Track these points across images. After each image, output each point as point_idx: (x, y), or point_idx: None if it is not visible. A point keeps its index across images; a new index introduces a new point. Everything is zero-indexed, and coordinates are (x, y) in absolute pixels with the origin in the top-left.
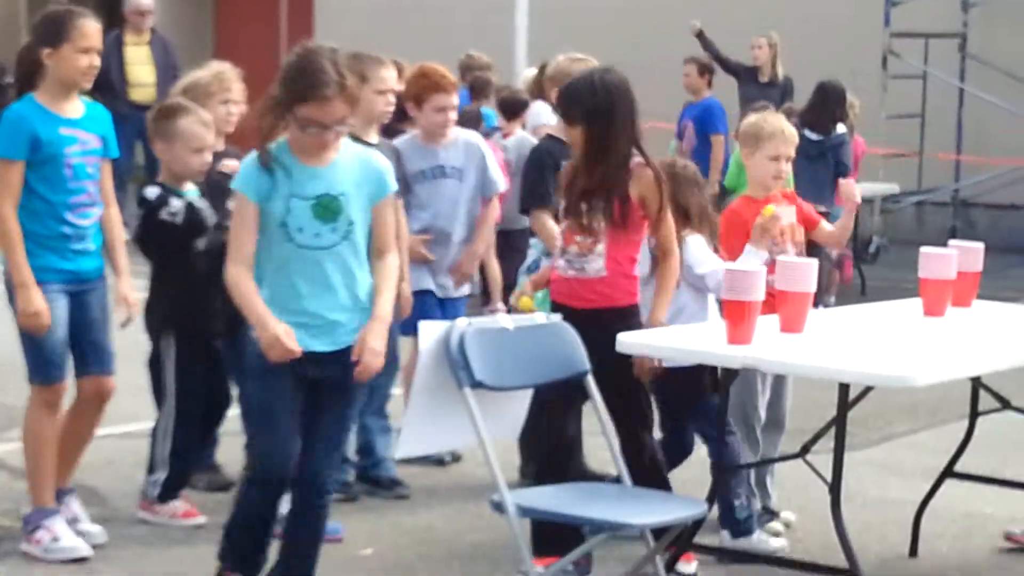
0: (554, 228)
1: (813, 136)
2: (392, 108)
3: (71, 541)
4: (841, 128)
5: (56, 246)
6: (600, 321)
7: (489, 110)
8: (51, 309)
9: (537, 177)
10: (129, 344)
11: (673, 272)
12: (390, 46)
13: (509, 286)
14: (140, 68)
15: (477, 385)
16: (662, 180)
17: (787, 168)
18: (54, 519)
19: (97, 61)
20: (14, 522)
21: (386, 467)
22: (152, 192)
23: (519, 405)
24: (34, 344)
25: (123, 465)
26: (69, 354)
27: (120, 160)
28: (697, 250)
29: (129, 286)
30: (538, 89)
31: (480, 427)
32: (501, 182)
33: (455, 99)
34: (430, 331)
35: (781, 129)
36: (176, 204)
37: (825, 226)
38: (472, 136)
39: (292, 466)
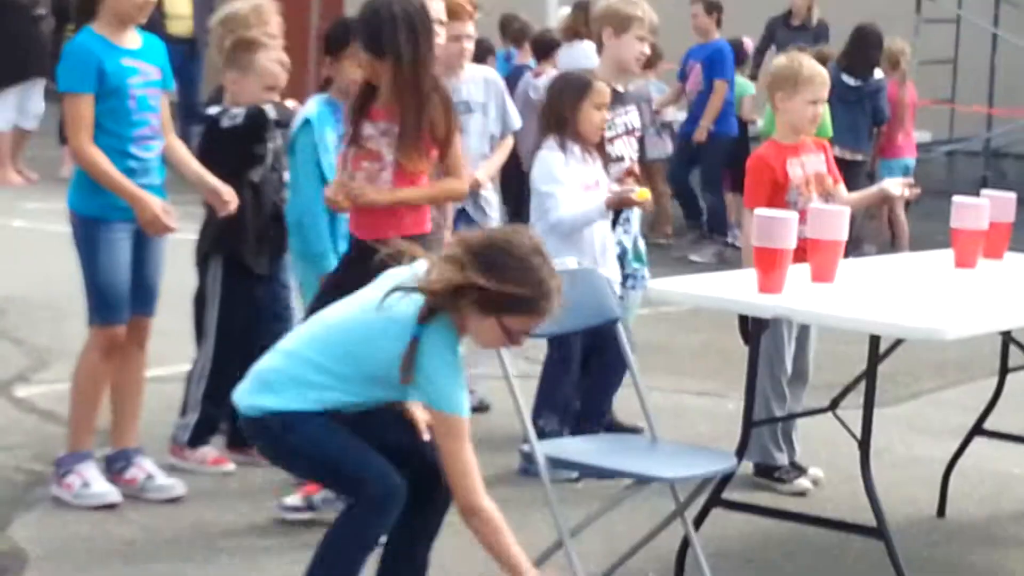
0: None
1: (851, 81)
2: (441, 39)
3: (102, 487)
4: (879, 73)
5: None
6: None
7: (502, 50)
8: (117, 250)
9: None
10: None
11: (449, 189)
12: None
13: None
14: (177, 0)
15: None
16: (450, 105)
17: (822, 111)
18: (86, 464)
19: None
20: (46, 466)
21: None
22: (214, 108)
23: None
24: (98, 284)
25: (151, 409)
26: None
27: None
28: (545, 165)
29: (214, 179)
30: (573, 30)
31: (511, 378)
32: (517, 119)
33: (471, 28)
34: None
35: (819, 72)
36: (237, 110)
37: (842, 190)
38: (489, 72)
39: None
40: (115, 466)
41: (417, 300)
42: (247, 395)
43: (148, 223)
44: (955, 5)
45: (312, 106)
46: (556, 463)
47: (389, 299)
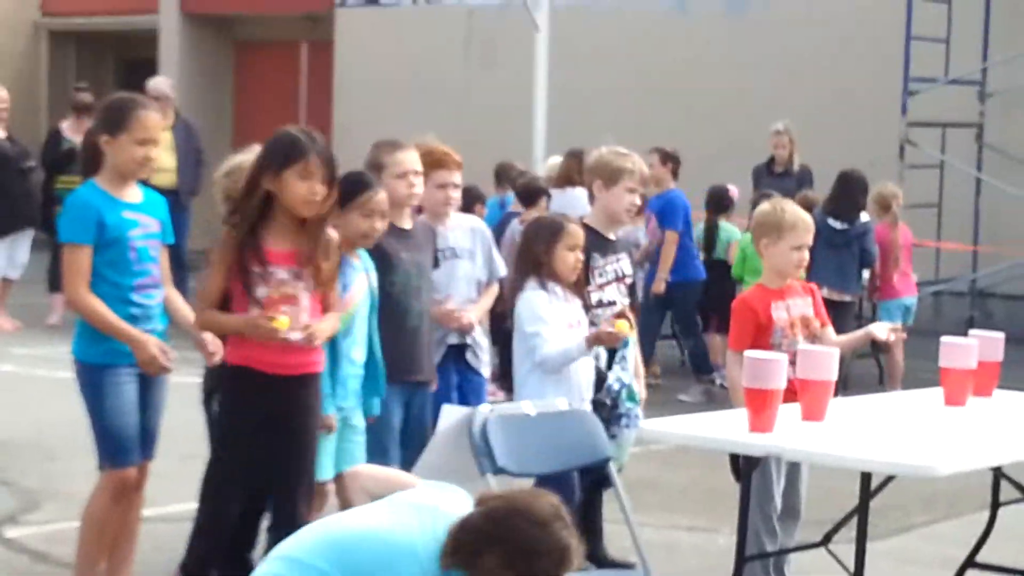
0: None
1: (837, 225)
2: (418, 189)
3: None
4: (865, 217)
5: None
6: (294, 386)
7: (496, 197)
8: (123, 393)
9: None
10: None
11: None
12: (408, 129)
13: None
14: (161, 154)
15: (500, 471)
16: (336, 244)
17: (807, 256)
18: None
19: (154, 153)
20: None
21: None
22: None
23: None
24: (107, 428)
25: (141, 550)
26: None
27: None
28: (529, 305)
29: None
30: (566, 176)
31: None
32: (503, 267)
33: (457, 177)
34: (450, 415)
35: (802, 218)
36: None
37: (830, 332)
38: (476, 221)
39: None
40: None
41: (440, 536)
42: None
43: (146, 363)
44: (938, 151)
45: None
46: None
47: (411, 523)
